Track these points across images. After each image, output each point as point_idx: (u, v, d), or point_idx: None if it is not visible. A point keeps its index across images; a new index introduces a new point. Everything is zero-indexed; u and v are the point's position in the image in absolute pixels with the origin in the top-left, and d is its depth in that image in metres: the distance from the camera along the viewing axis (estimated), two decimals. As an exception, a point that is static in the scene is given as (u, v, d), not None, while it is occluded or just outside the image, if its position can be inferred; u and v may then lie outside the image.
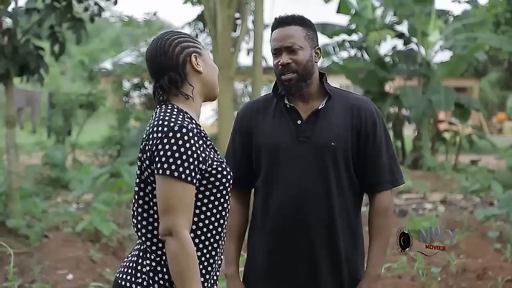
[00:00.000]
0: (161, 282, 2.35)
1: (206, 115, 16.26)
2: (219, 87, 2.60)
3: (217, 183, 2.38)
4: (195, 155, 2.30)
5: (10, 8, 7.81)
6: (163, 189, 2.30)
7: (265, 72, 16.02)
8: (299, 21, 2.82)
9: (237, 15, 14.23)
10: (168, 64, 2.42)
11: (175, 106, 2.41)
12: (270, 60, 17.03)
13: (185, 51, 2.43)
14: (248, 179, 2.92)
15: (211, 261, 2.44)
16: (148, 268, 2.38)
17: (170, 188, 2.29)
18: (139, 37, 19.96)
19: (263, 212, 2.86)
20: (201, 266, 2.40)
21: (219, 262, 2.50)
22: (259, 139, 2.87)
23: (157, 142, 2.30)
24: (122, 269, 2.45)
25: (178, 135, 2.28)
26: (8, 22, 8.03)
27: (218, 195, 2.40)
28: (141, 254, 2.42)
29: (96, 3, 8.16)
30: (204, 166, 2.35)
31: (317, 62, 2.84)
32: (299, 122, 2.82)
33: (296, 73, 2.78)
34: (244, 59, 16.65)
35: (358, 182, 2.85)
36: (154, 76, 2.46)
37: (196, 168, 2.31)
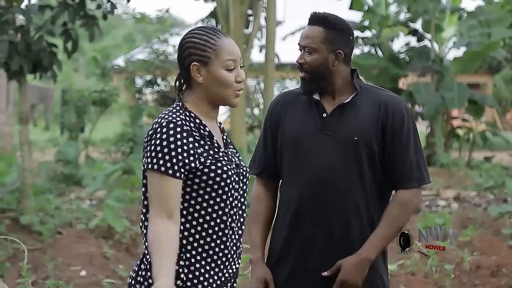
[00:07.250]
0: (150, 281, 2.32)
1: (219, 112, 16.27)
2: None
3: (210, 182, 2.34)
4: (179, 150, 2.29)
5: (23, 5, 7.84)
6: (148, 182, 2.33)
7: (277, 69, 16.06)
8: (323, 22, 2.80)
9: (249, 11, 14.22)
10: (179, 63, 2.45)
11: (179, 105, 2.42)
12: (282, 57, 17.03)
13: (189, 58, 2.40)
14: (277, 169, 2.93)
15: (220, 255, 2.41)
16: (143, 266, 2.37)
17: (152, 180, 2.31)
18: (151, 34, 19.96)
19: (284, 202, 2.87)
20: (207, 264, 2.38)
21: (235, 257, 2.47)
22: (284, 129, 2.88)
23: (147, 138, 2.34)
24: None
25: (165, 129, 2.30)
26: (21, 19, 8.07)
27: (211, 191, 2.36)
28: (144, 252, 2.41)
29: (108, 0, 8.17)
30: (193, 164, 2.33)
31: (336, 66, 2.81)
32: (324, 115, 2.82)
33: (307, 73, 2.80)
34: (257, 55, 16.65)
35: (386, 178, 2.82)
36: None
37: (181, 163, 2.30)
